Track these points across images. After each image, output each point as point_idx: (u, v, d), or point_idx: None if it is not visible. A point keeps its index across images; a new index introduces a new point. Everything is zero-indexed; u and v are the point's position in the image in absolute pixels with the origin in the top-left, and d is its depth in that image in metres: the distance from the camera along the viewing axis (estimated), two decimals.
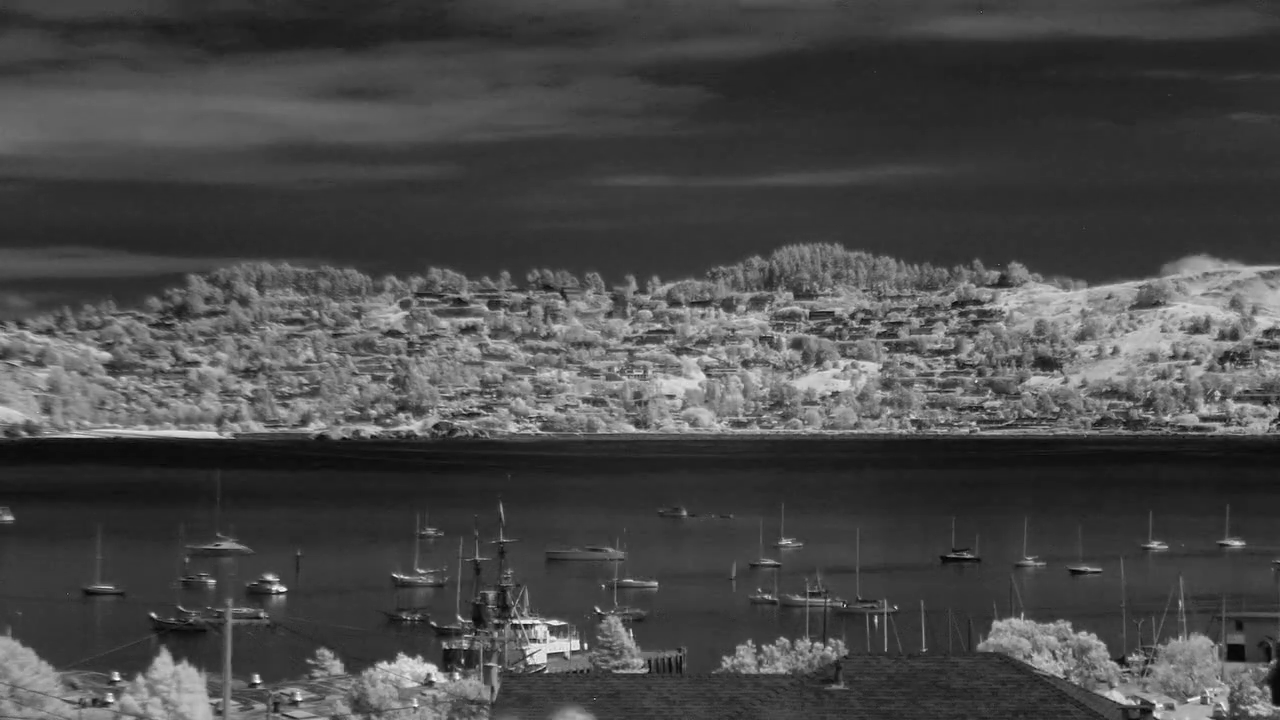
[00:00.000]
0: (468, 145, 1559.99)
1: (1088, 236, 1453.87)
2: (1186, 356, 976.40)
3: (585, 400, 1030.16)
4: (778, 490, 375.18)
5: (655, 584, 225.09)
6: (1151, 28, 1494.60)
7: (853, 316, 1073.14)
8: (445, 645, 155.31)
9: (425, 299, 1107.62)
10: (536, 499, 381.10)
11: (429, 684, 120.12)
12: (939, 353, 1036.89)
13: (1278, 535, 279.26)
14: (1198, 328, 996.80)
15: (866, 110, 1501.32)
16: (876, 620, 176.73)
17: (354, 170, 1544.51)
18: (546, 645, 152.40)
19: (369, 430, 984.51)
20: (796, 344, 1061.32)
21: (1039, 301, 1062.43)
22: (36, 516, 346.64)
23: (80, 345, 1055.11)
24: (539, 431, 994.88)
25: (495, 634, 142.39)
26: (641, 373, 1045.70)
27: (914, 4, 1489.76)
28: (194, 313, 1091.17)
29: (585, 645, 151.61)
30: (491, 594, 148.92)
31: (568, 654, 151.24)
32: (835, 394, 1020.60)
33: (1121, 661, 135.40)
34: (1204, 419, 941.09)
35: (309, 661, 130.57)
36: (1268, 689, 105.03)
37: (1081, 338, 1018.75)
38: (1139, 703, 79.90)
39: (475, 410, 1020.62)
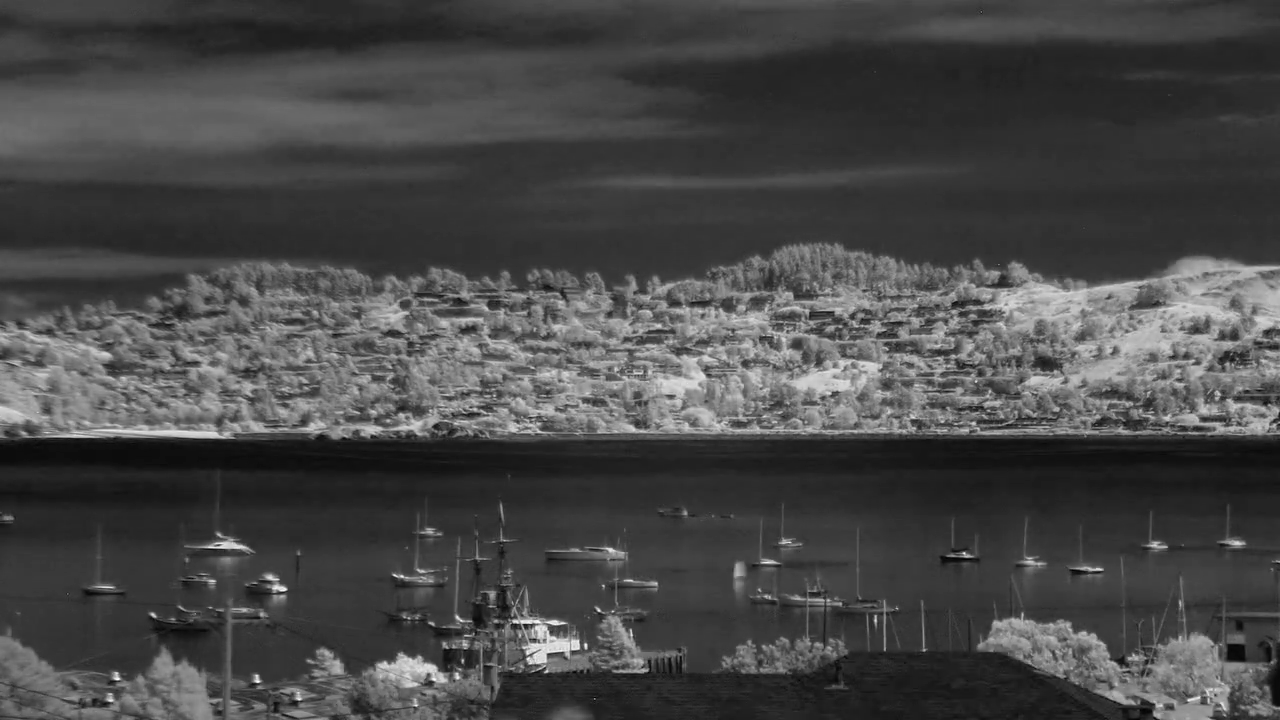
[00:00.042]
0: (467, 146, 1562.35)
1: (1087, 237, 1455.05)
2: (1186, 356, 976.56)
3: (585, 400, 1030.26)
4: (778, 490, 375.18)
5: (655, 584, 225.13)
6: (1149, 29, 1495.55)
7: (853, 316, 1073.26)
8: (445, 645, 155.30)
9: (425, 299, 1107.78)
10: (536, 499, 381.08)
11: (429, 684, 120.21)
12: (939, 353, 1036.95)
13: (1278, 535, 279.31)
14: (1198, 328, 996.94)
15: (866, 111, 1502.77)
16: (876, 620, 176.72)
17: (354, 171, 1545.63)
18: (546, 645, 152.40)
19: (369, 430, 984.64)
20: (796, 344, 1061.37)
21: (1039, 301, 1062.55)
22: (37, 517, 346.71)
23: (80, 345, 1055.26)
24: (539, 431, 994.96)
25: (495, 634, 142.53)
26: (641, 373, 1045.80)
27: (912, 6, 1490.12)
28: (194, 313, 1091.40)
29: (585, 645, 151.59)
30: (493, 594, 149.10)
31: (568, 654, 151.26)
32: (835, 394, 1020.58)
33: (1121, 661, 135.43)
34: (1204, 419, 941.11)
35: (309, 661, 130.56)
36: (1268, 689, 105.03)
37: (1081, 338, 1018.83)
38: (1139, 703, 79.92)
39: (475, 410, 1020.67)
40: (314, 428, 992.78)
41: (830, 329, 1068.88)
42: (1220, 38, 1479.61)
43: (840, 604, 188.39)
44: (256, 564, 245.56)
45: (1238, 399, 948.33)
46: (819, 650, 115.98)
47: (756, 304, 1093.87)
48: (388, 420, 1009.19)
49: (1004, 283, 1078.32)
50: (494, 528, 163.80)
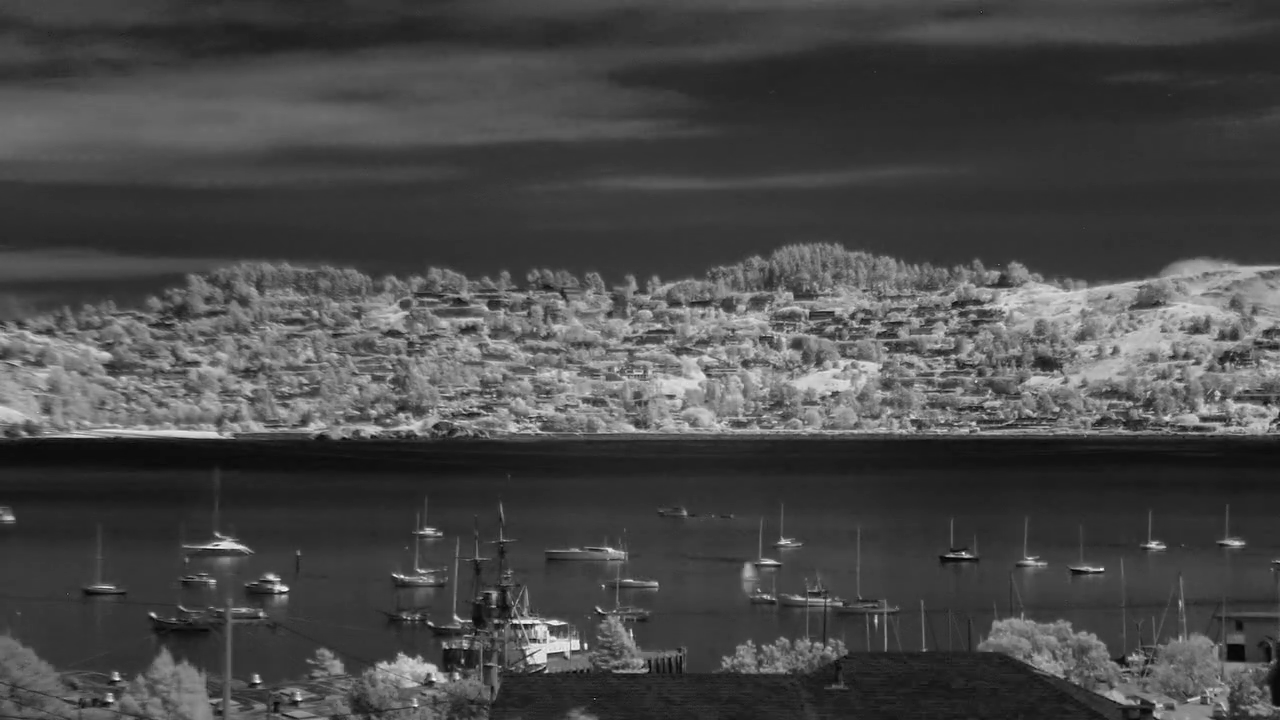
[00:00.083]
0: (466, 146, 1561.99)
1: (1087, 238, 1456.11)
2: (1186, 356, 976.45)
3: (585, 400, 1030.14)
4: (778, 490, 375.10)
5: (655, 584, 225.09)
6: (1137, 32, 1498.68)
7: (853, 316, 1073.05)
8: (445, 645, 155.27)
9: (425, 299, 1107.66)
10: (536, 499, 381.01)
11: (429, 684, 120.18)
12: (939, 353, 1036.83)
13: (1278, 535, 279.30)
14: (1198, 328, 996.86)
15: (866, 111, 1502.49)
16: (876, 620, 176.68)
17: (354, 171, 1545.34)
18: (546, 645, 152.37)
19: (369, 430, 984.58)
20: (796, 344, 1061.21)
21: (1039, 301, 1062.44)
22: (37, 517, 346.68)
23: (80, 345, 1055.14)
24: (539, 431, 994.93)
25: (495, 634, 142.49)
26: (641, 373, 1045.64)
27: (900, 10, 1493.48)
28: (194, 313, 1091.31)
29: (585, 645, 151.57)
30: (494, 594, 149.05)
31: (568, 654, 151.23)
32: (835, 394, 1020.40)
33: (1121, 661, 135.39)
34: (1204, 419, 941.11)
35: (309, 661, 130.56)
36: (1268, 689, 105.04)
37: (1081, 338, 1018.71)
38: (1139, 703, 79.88)
39: (475, 410, 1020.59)
40: (314, 428, 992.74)
41: (830, 329, 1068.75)
42: (1208, 40, 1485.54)
43: (840, 604, 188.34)
44: (256, 564, 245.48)
45: (1238, 399, 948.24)
46: (819, 650, 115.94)
47: (756, 304, 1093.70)
48: (388, 420, 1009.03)
49: (1004, 283, 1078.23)
50: (494, 528, 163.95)
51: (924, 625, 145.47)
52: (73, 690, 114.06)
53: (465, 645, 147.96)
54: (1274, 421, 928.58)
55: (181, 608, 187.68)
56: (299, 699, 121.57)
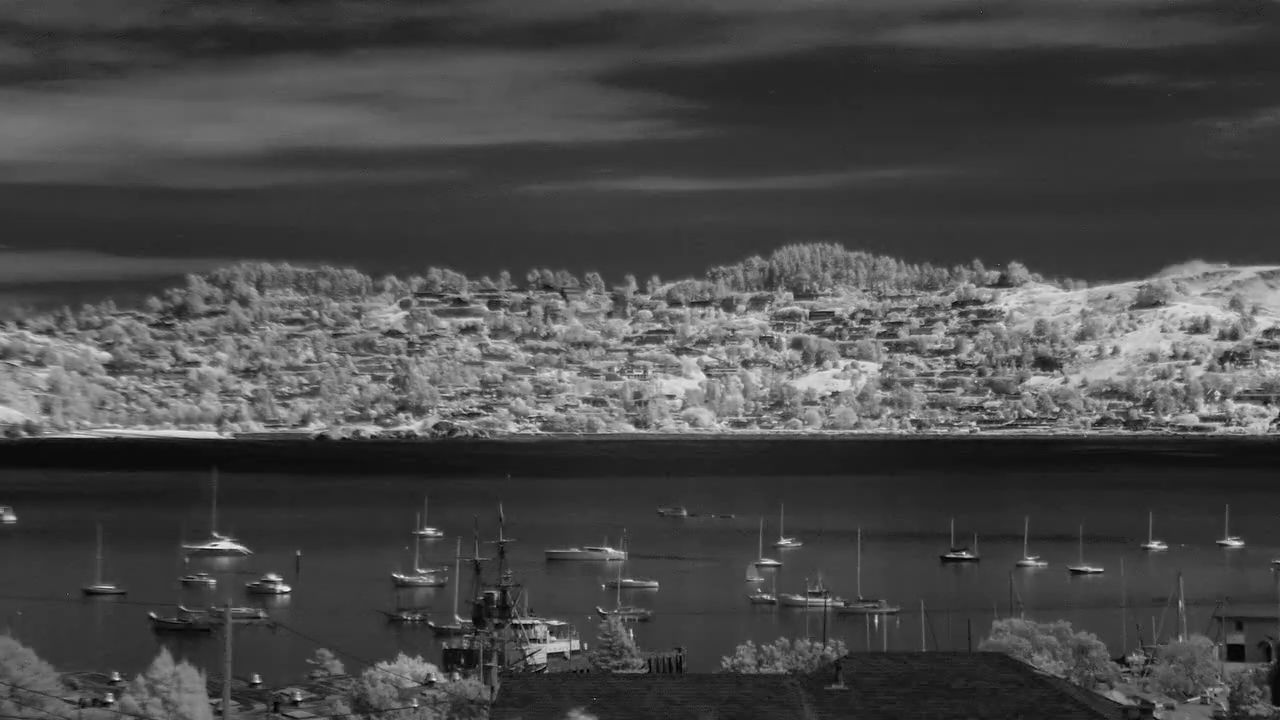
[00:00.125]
0: (467, 147, 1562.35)
1: (1087, 238, 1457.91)
2: (1186, 356, 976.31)
3: (585, 400, 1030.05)
4: (778, 490, 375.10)
5: (655, 584, 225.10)
6: (1134, 35, 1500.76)
7: (853, 316, 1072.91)
8: (445, 645, 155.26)
9: (425, 299, 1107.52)
10: (536, 499, 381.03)
11: (429, 684, 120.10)
12: (939, 353, 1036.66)
13: (1278, 535, 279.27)
14: (1198, 328, 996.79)
15: (865, 112, 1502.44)
16: (876, 620, 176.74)
17: (353, 172, 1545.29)
18: (546, 645, 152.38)
19: (369, 430, 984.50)
20: (796, 344, 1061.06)
21: (1039, 301, 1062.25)
22: (37, 517, 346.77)
23: (80, 345, 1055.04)
24: (539, 431, 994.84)
25: (495, 634, 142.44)
26: (641, 373, 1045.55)
27: (905, 10, 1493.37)
28: (194, 313, 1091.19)
29: (585, 645, 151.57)
30: (496, 594, 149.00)
31: (568, 654, 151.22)
32: (835, 394, 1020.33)
33: (1121, 661, 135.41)
34: (1204, 419, 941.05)
35: (309, 661, 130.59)
36: (1268, 689, 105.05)
37: (1081, 338, 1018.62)
38: (1139, 703, 79.87)
39: (475, 410, 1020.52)
40: (314, 428, 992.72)
41: (830, 329, 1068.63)
42: (1196, 43, 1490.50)
43: (841, 604, 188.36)
44: (257, 564, 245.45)
45: (1238, 399, 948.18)
46: (819, 650, 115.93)
47: (756, 304, 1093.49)
48: (388, 420, 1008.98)
49: (1004, 283, 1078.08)
50: (494, 528, 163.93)
51: (924, 625, 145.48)
52: (73, 690, 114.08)
53: (465, 645, 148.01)
54: (1274, 421, 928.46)
55: (182, 608, 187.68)
56: (299, 699, 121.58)
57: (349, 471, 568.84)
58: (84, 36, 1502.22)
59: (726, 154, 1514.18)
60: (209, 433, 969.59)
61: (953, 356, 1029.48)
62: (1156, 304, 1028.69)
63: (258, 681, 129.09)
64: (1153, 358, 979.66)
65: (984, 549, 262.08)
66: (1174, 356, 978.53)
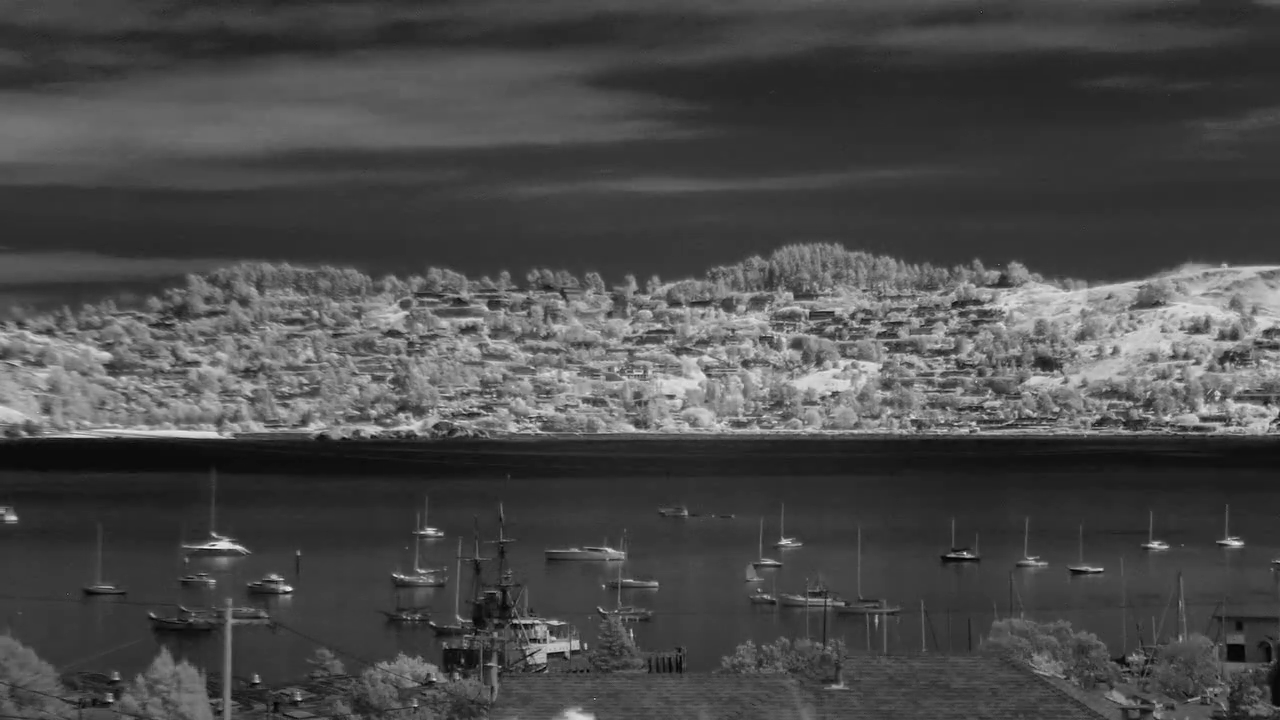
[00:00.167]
0: (466, 148, 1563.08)
1: (1087, 238, 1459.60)
2: (1186, 356, 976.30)
3: (585, 400, 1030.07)
4: (778, 490, 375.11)
5: (655, 584, 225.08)
6: (1126, 38, 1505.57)
7: (853, 316, 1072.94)
8: (445, 645, 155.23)
9: (425, 299, 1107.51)
10: (536, 499, 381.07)
11: (429, 684, 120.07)
12: (939, 353, 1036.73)
13: (1278, 535, 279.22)
14: (1198, 328, 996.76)
15: (865, 112, 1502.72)
16: (876, 620, 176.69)
17: (353, 172, 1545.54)
18: (546, 645, 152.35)
19: (369, 430, 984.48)
20: (796, 344, 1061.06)
21: (1039, 301, 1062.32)
22: (37, 517, 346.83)
23: (80, 345, 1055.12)
24: (539, 431, 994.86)
25: (495, 634, 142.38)
26: (641, 373, 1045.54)
27: (901, 12, 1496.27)
28: (194, 313, 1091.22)
29: (585, 645, 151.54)
30: (498, 594, 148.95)
31: (568, 654, 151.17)
32: (835, 394, 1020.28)
33: (1121, 661, 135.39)
34: (1204, 419, 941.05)
35: (309, 661, 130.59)
36: (1268, 689, 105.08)
37: (1081, 338, 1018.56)
38: (1139, 703, 79.95)
39: (475, 410, 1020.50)
40: (314, 428, 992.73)
41: (830, 329, 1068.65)
42: (1186, 46, 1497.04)
43: (842, 604, 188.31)
44: (259, 564, 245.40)
45: (1238, 399, 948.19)
46: (819, 650, 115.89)
47: (756, 304, 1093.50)
48: (388, 420, 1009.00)
49: (1004, 283, 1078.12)
50: (494, 528, 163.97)
51: (924, 625, 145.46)
52: (73, 690, 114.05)
53: (465, 645, 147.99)
54: (1274, 421, 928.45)
55: (182, 607, 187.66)
56: (299, 699, 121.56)
57: (348, 472, 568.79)
58: (80, 39, 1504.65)
59: (726, 154, 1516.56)
60: (209, 433, 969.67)
61: (953, 356, 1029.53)
62: (1156, 304, 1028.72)
63: (258, 681, 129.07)
64: (1153, 358, 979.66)
65: (984, 549, 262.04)
66: (1174, 356, 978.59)
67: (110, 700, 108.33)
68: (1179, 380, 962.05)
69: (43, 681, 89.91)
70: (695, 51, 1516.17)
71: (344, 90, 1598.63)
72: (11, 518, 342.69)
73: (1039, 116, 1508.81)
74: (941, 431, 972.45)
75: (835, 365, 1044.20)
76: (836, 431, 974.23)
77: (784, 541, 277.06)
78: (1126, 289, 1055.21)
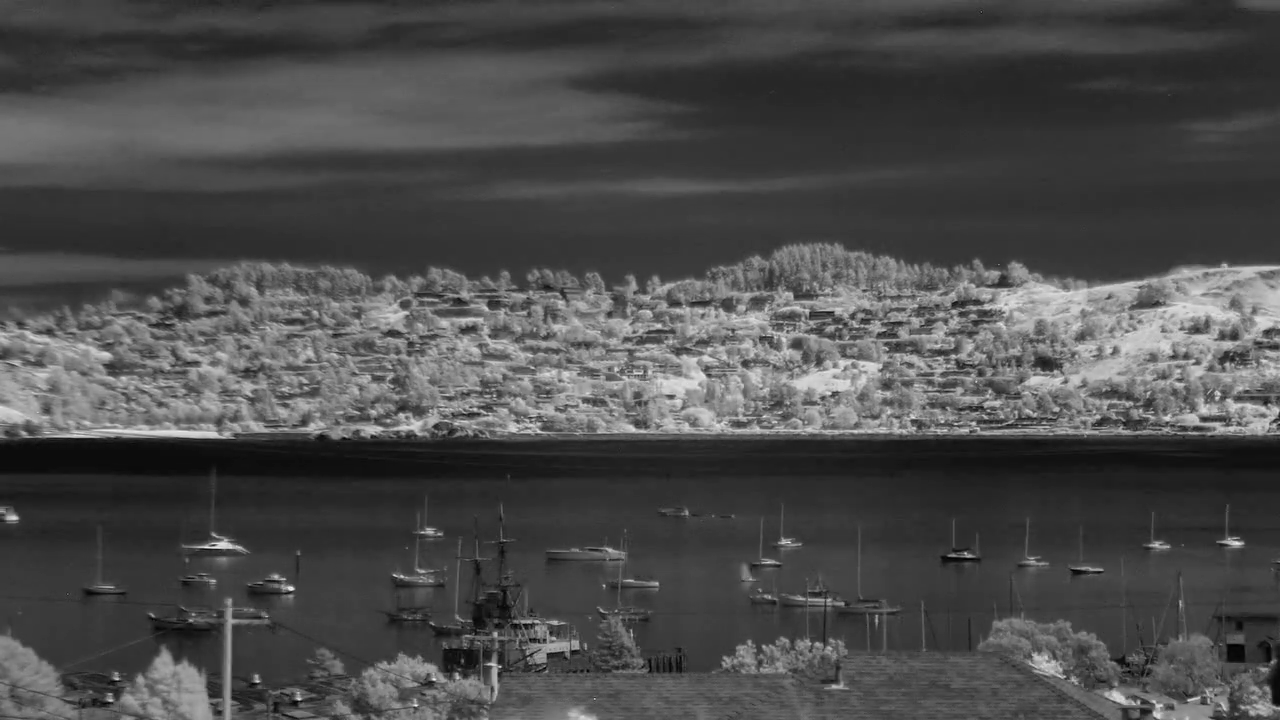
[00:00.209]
0: (466, 148, 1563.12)
1: (1086, 239, 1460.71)
2: (1186, 356, 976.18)
3: (585, 400, 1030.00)
4: (778, 490, 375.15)
5: (656, 584, 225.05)
6: (1119, 41, 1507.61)
7: (853, 316, 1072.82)
8: (445, 645, 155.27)
9: (425, 299, 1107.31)
10: (536, 499, 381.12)
11: (429, 684, 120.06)
12: (939, 353, 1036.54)
13: (1278, 535, 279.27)
14: (1198, 328, 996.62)
15: (865, 112, 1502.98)
16: (877, 620, 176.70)
17: (353, 172, 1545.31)
18: (546, 645, 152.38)
19: (369, 430, 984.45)
20: (796, 344, 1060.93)
21: (1039, 301, 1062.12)
22: (38, 517, 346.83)
23: (80, 345, 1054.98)
24: (539, 431, 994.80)
25: (495, 634, 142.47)
26: (641, 373, 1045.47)
27: (899, 14, 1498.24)
28: (194, 313, 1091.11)
29: (585, 645, 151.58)
30: (498, 593, 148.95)
31: (568, 654, 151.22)
32: (835, 394, 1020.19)
33: (1121, 661, 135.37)
34: (1204, 419, 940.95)
35: (309, 661, 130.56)
36: (1268, 689, 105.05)
37: (1081, 338, 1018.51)
38: (1139, 703, 79.92)
39: (475, 410, 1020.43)
40: (314, 428, 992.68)
41: (830, 329, 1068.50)
42: (1172, 49, 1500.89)
43: (842, 604, 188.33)
44: (261, 564, 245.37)
45: (1238, 399, 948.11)
46: (819, 650, 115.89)
47: (756, 304, 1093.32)
48: (388, 420, 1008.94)
49: (1004, 283, 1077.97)
50: (494, 528, 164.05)
51: (924, 625, 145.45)
52: (73, 690, 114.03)
53: (465, 645, 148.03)
54: (1274, 421, 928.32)
55: (182, 607, 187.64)
56: (299, 699, 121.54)
57: (348, 472, 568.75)
58: (72, 42, 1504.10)
59: (726, 154, 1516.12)
60: (209, 433, 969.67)
61: (953, 356, 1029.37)
62: (1156, 304, 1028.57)
63: (258, 681, 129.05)
64: (1153, 358, 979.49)
65: (985, 549, 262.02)
66: (1174, 356, 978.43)
67: (110, 700, 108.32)
68: (1179, 380, 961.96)
69: (43, 681, 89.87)
70: (692, 52, 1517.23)
71: (339, 92, 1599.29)
72: (12, 518, 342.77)
73: (1037, 117, 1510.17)
74: (941, 431, 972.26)
75: (835, 365, 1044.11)
76: (836, 431, 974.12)
77: (784, 541, 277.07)
78: (1126, 289, 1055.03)
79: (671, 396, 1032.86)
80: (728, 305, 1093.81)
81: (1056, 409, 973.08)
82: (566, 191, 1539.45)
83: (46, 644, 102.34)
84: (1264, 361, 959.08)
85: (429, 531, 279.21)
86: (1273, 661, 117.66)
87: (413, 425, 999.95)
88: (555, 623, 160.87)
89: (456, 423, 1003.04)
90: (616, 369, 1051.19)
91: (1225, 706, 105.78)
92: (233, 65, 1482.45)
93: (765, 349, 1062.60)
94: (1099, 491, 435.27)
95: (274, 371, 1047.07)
